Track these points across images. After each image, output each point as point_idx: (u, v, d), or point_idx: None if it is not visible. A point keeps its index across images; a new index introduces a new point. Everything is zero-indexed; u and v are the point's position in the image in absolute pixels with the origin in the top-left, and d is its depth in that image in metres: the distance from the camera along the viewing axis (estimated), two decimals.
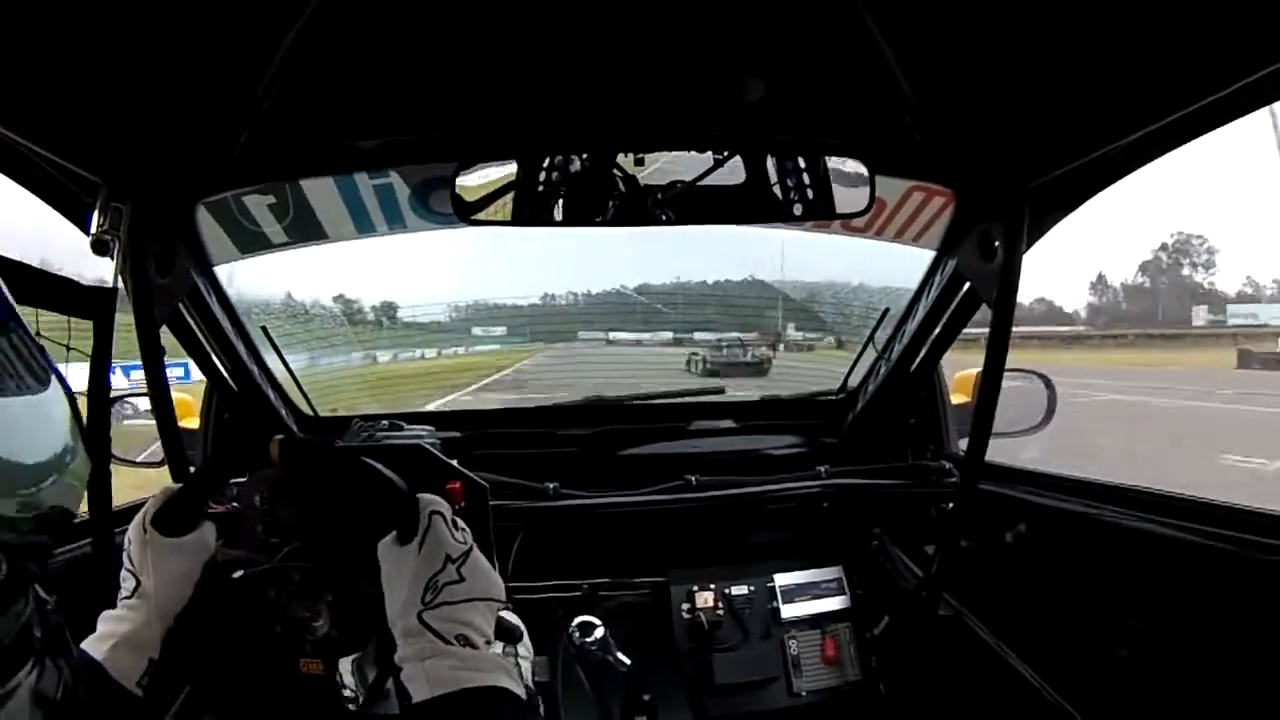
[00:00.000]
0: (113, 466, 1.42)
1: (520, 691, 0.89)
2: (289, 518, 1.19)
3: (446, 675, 0.86)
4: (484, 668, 0.88)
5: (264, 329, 1.96)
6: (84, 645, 0.94)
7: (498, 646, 0.99)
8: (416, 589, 0.91)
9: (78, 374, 1.28)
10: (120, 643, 0.94)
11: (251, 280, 1.91)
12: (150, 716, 0.97)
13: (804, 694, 1.89)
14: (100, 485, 1.33)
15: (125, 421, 1.85)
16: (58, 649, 0.68)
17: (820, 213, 1.47)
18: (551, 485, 1.85)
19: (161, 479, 1.46)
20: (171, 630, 0.98)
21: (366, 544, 1.16)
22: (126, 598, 0.99)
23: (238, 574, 1.08)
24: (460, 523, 0.99)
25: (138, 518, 1.02)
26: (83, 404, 1.26)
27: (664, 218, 1.42)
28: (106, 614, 0.99)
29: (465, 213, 1.42)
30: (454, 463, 1.30)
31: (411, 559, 0.92)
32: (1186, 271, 52.91)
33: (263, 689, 1.09)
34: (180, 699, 1.09)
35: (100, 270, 1.31)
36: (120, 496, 1.38)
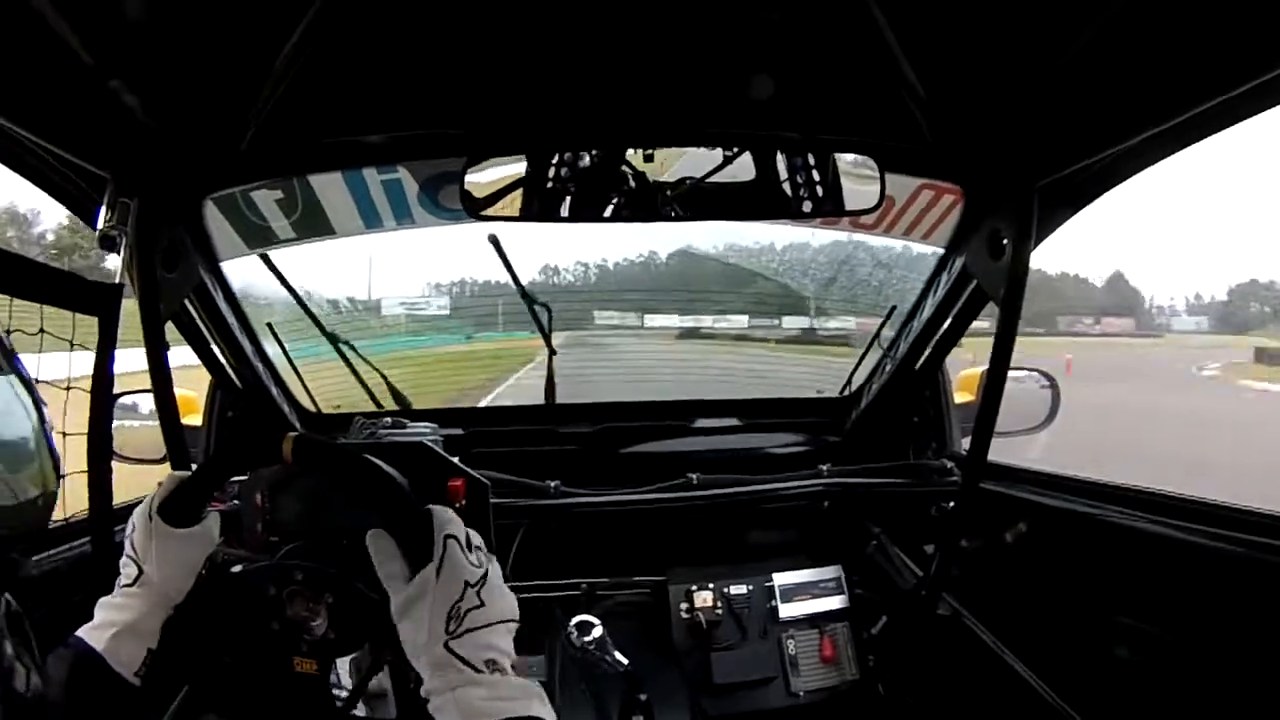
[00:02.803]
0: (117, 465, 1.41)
1: (552, 718, 0.87)
2: (290, 517, 1.19)
3: (479, 706, 0.84)
4: (516, 695, 0.86)
5: (269, 325, 1.96)
6: (80, 633, 0.93)
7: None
8: (439, 619, 0.88)
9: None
10: (120, 632, 0.93)
11: (258, 276, 1.91)
12: (147, 707, 0.96)
13: (802, 694, 1.90)
14: (100, 482, 1.31)
15: (130, 424, 1.84)
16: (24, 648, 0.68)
17: (830, 210, 1.48)
18: (553, 483, 1.85)
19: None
20: (171, 620, 0.98)
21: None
22: (127, 585, 0.98)
23: (238, 568, 1.08)
24: (475, 539, 0.96)
25: (143, 505, 1.01)
26: (86, 401, 1.27)
27: (673, 214, 1.43)
28: (104, 601, 0.97)
29: (474, 208, 1.42)
30: (455, 460, 1.30)
31: (429, 588, 0.89)
32: None
33: (255, 685, 1.08)
34: (179, 699, 1.09)
35: None
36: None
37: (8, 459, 0.73)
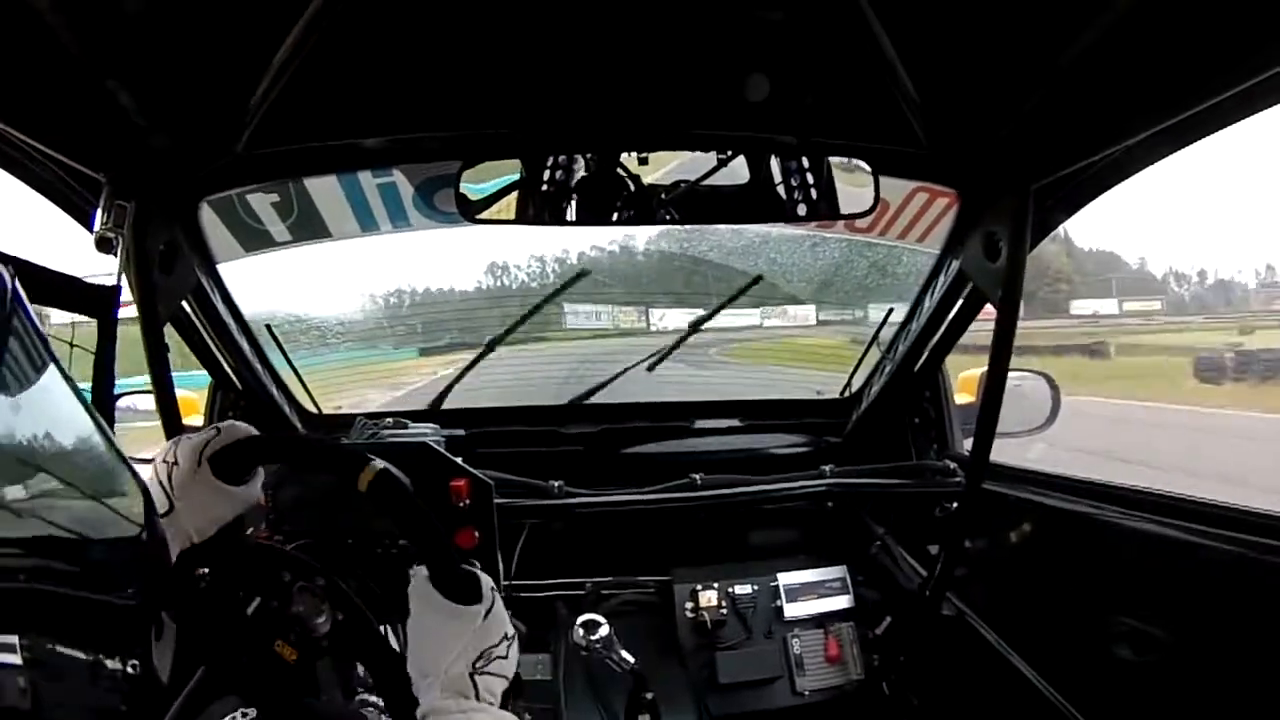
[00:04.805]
0: None
1: None
2: (294, 516, 1.19)
3: None
4: None
5: (268, 327, 1.96)
6: None
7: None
8: (473, 651, 0.97)
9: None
10: None
11: (256, 278, 1.91)
12: (168, 688, 0.96)
13: (807, 693, 1.90)
14: None
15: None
16: None
17: (824, 213, 1.48)
18: (556, 483, 1.85)
19: None
20: (187, 551, 0.96)
21: (370, 544, 1.16)
22: None
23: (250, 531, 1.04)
24: None
25: (192, 443, 0.97)
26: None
27: (668, 217, 1.43)
28: None
29: (469, 212, 1.43)
30: (459, 460, 1.30)
31: (473, 623, 0.98)
32: None
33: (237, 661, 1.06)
34: (195, 679, 1.08)
35: None
36: None
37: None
